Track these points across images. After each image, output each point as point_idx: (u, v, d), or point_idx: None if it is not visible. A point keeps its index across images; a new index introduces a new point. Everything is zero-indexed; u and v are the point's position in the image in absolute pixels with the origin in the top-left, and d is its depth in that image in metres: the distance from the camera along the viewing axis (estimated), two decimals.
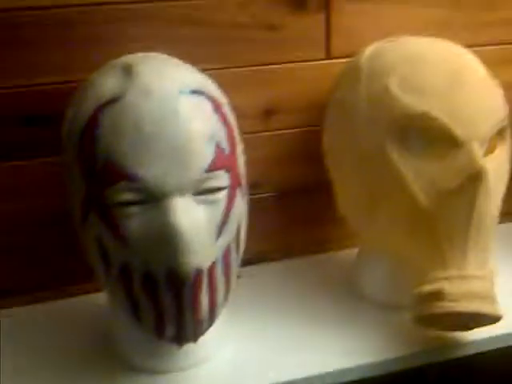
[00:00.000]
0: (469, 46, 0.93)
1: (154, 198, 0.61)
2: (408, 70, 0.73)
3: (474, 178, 0.69)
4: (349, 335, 0.79)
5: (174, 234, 0.60)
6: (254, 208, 0.91)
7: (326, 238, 0.97)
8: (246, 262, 0.93)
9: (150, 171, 0.61)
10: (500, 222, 0.99)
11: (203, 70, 0.76)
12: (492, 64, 0.96)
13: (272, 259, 0.96)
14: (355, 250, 0.91)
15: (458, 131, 0.70)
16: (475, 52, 0.94)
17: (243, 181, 0.70)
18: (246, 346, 0.78)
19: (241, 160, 0.70)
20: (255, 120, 0.89)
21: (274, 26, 0.85)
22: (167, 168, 0.61)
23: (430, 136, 0.71)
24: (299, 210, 0.95)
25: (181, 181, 0.61)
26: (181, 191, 0.62)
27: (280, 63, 0.87)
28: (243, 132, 0.87)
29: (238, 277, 0.88)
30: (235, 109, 0.85)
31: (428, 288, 0.70)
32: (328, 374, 0.74)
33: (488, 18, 0.95)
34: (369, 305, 0.83)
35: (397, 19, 0.91)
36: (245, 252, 0.92)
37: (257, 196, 0.92)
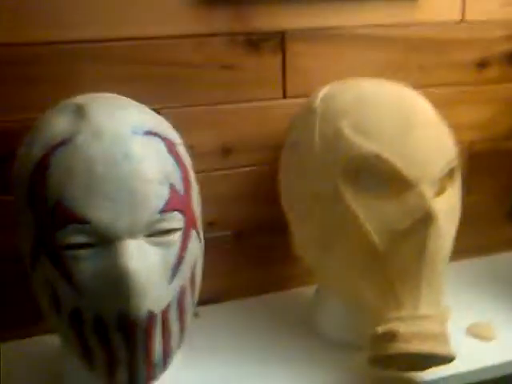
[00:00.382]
0: (422, 86, 0.96)
1: (106, 241, 0.61)
2: (360, 112, 0.74)
3: (425, 220, 0.70)
4: (305, 374, 0.78)
5: (125, 278, 0.59)
6: (211, 247, 0.91)
7: (284, 276, 0.97)
8: (204, 301, 0.93)
9: (101, 213, 0.60)
10: (452, 260, 1.03)
11: (160, 110, 0.76)
12: (444, 104, 0.99)
13: (229, 298, 0.95)
14: (313, 288, 0.91)
15: (409, 173, 0.71)
16: (428, 93, 0.97)
17: (198, 222, 0.70)
18: None
19: (196, 201, 0.70)
20: (212, 158, 0.89)
21: (229, 66, 0.86)
22: (119, 210, 0.60)
23: (382, 178, 0.72)
24: (256, 248, 0.95)
25: (133, 223, 0.61)
26: (133, 233, 0.61)
27: (237, 102, 0.88)
28: (200, 171, 0.88)
29: (196, 316, 0.88)
30: (192, 147, 0.86)
31: (382, 329, 0.70)
32: None
33: (440, 60, 0.98)
34: (325, 343, 0.83)
35: (352, 61, 0.93)
36: (202, 291, 0.91)
37: (214, 235, 0.92)
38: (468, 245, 1.07)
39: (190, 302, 0.68)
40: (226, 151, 0.90)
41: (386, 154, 0.71)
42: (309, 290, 0.92)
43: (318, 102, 0.79)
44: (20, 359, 0.83)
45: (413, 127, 0.73)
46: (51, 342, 0.81)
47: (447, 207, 0.75)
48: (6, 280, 0.84)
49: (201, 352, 0.83)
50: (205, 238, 0.89)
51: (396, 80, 0.90)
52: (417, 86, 0.95)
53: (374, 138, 0.72)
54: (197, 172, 0.84)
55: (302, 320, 0.89)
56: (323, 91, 0.80)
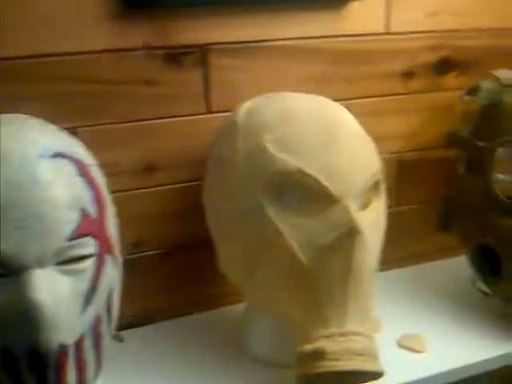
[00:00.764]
0: (348, 98, 0.96)
1: (13, 271, 0.57)
2: (283, 127, 0.73)
3: (350, 234, 0.69)
4: None
5: (34, 310, 0.56)
6: (137, 267, 0.89)
7: (213, 295, 0.95)
8: (131, 324, 0.90)
9: (7, 242, 0.57)
10: (383, 270, 1.02)
11: (79, 128, 0.73)
12: (371, 115, 0.99)
13: (157, 320, 0.92)
14: (243, 306, 0.89)
15: (332, 188, 0.70)
16: (355, 104, 0.97)
17: (115, 245, 0.67)
18: None
19: (111, 224, 0.67)
20: (134, 176, 0.86)
21: (149, 81, 0.84)
22: (26, 238, 0.57)
23: (306, 193, 0.71)
24: (185, 267, 0.93)
25: (42, 251, 0.58)
26: (41, 262, 0.58)
27: (159, 118, 0.86)
28: (123, 189, 0.85)
29: (120, 341, 0.85)
30: (114, 166, 0.83)
31: (308, 347, 0.68)
32: None
33: (366, 72, 0.98)
34: (255, 363, 0.82)
35: (278, 74, 0.92)
36: (129, 314, 0.89)
37: (139, 255, 0.89)
38: (398, 254, 1.07)
39: (106, 329, 0.65)
40: (150, 169, 0.87)
41: (309, 169, 0.70)
42: (239, 308, 0.90)
43: (240, 116, 0.77)
44: None
45: (335, 141, 0.72)
46: None
47: (372, 220, 0.74)
48: None
49: (124, 378, 0.80)
50: (131, 259, 0.87)
51: (322, 92, 0.90)
52: (343, 98, 0.96)
53: (296, 153, 0.71)
54: (119, 191, 0.82)
55: (231, 339, 0.87)
56: (246, 105, 0.79)
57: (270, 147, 0.72)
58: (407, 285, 1.02)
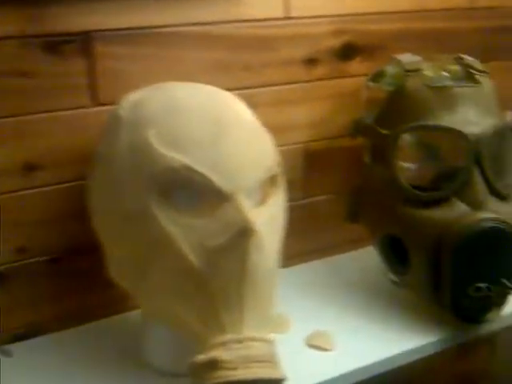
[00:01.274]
0: (249, 87, 0.92)
1: None
2: (168, 120, 0.67)
3: (243, 233, 0.64)
4: None
5: None
6: (23, 275, 0.82)
7: (109, 302, 0.88)
8: (19, 337, 0.83)
9: None
10: (291, 265, 0.99)
11: None
12: (274, 105, 0.95)
13: (49, 331, 0.85)
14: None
15: (223, 184, 0.65)
16: (256, 93, 0.92)
17: None
18: None
19: None
20: (14, 177, 0.79)
21: (26, 72, 0.76)
22: None
23: (195, 191, 0.66)
24: (76, 273, 0.85)
25: None
26: None
27: (39, 113, 0.78)
28: (1, 192, 0.78)
29: (8, 355, 0.78)
30: None
31: (203, 357, 0.63)
32: None
33: (267, 59, 0.93)
34: (153, 373, 0.76)
35: (170, 62, 0.86)
36: (16, 326, 0.81)
37: (25, 262, 0.82)
38: (309, 247, 1.04)
39: None
40: (30, 168, 0.79)
41: (197, 165, 0.65)
42: (136, 315, 0.84)
43: (124, 109, 0.71)
44: None
45: (225, 134, 0.67)
46: None
47: (269, 217, 0.70)
48: None
49: None
50: (15, 267, 0.80)
51: (220, 82, 0.85)
52: (243, 87, 0.91)
53: (183, 148, 0.66)
54: None
55: (128, 348, 0.81)
56: (130, 98, 0.72)
57: (155, 143, 0.66)
58: (318, 279, 0.99)
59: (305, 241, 1.03)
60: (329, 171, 1.03)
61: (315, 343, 0.82)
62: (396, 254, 0.86)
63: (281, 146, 0.96)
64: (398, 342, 0.82)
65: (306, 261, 1.04)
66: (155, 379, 0.75)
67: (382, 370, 0.80)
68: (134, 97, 0.72)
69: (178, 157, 0.65)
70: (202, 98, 0.70)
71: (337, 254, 1.06)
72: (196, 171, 0.65)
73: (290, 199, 0.99)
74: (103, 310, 0.88)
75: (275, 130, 0.95)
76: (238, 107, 0.72)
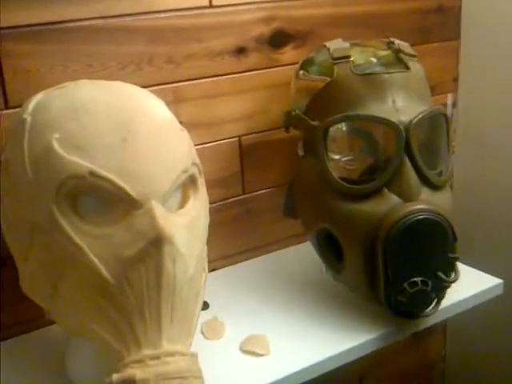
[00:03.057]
0: (174, 81, 0.88)
1: None
2: (72, 123, 0.62)
3: (157, 242, 0.60)
4: None
5: None
6: None
7: (31, 316, 0.83)
8: None
9: None
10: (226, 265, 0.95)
11: None
12: (203, 98, 0.91)
13: None
14: None
15: (132, 190, 0.61)
16: (183, 87, 0.88)
17: None
18: None
19: None
20: None
21: None
22: None
23: (103, 198, 0.62)
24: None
25: None
26: None
27: None
28: None
29: None
30: None
31: (118, 376, 0.60)
32: None
33: (193, 50, 0.89)
34: None
35: (88, 58, 0.81)
36: None
37: None
38: (249, 244, 1.01)
39: None
40: None
41: (104, 171, 0.60)
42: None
43: (27, 112, 0.66)
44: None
45: (134, 136, 0.63)
46: None
47: (188, 222, 0.66)
48: None
49: None
50: None
51: (144, 76, 0.81)
52: (170, 81, 0.87)
53: (87, 152, 0.61)
54: None
55: (54, 363, 0.77)
56: (35, 98, 0.68)
57: (58, 147, 0.61)
58: (257, 278, 0.95)
59: (245, 237, 1.00)
60: (266, 165, 1.00)
61: (250, 348, 0.78)
62: (332, 249, 0.82)
63: (213, 141, 0.94)
64: (335, 342, 0.79)
65: (245, 259, 1.00)
66: None
67: (319, 372, 0.77)
68: (38, 98, 0.67)
69: (83, 162, 0.61)
70: (110, 97, 0.65)
71: (278, 250, 1.03)
72: (103, 177, 0.60)
73: (228, 195, 0.97)
74: (27, 323, 0.83)
75: (205, 125, 0.92)
76: (150, 105, 0.67)
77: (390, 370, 1.29)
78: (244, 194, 0.99)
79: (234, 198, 0.98)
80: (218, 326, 0.83)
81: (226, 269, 0.99)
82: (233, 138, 0.96)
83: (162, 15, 0.86)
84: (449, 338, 1.35)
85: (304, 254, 0.99)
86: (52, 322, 0.83)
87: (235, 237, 1.00)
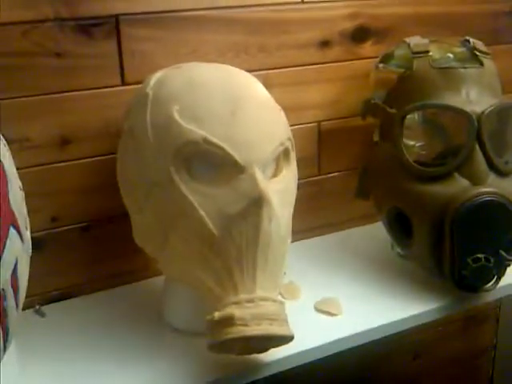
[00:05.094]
0: (265, 69, 0.97)
1: None
2: (189, 97, 0.73)
3: (257, 203, 0.70)
4: (154, 365, 0.77)
5: None
6: (57, 242, 0.89)
7: (136, 268, 0.95)
8: (53, 298, 0.90)
9: None
10: (303, 238, 1.05)
11: None
12: (290, 85, 1.00)
13: (79, 294, 0.92)
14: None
15: (238, 156, 0.71)
16: (273, 74, 0.98)
17: (19, 219, 0.66)
18: None
19: (14, 197, 0.66)
20: (50, 150, 0.85)
21: (61, 53, 0.83)
22: None
23: (213, 162, 0.72)
24: (105, 240, 0.92)
25: None
26: None
27: (72, 91, 0.85)
28: (38, 164, 0.84)
29: (41, 315, 0.85)
30: (27, 140, 0.83)
31: (217, 314, 0.70)
32: None
33: (282, 41, 0.98)
34: (174, 333, 0.83)
35: (193, 44, 0.92)
36: (51, 288, 0.88)
37: (58, 229, 0.89)
38: (321, 222, 1.10)
39: (12, 304, 0.65)
40: (65, 142, 0.86)
41: (215, 138, 0.71)
42: (161, 280, 0.90)
43: (149, 87, 0.77)
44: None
45: (241, 110, 0.73)
46: None
47: (282, 189, 0.75)
48: None
49: (44, 353, 0.80)
50: (50, 234, 0.87)
51: (238, 63, 0.91)
52: (260, 69, 0.97)
53: (202, 122, 0.71)
54: (34, 166, 0.81)
55: (151, 311, 0.88)
56: (155, 76, 0.78)
57: (177, 117, 0.72)
58: (329, 252, 1.04)
59: (318, 215, 1.09)
60: (341, 149, 1.09)
61: (324, 308, 0.88)
62: (401, 227, 0.91)
63: (296, 124, 1.03)
64: (401, 308, 0.87)
65: (318, 234, 1.10)
66: (174, 338, 0.82)
67: (385, 333, 0.86)
68: (158, 75, 0.78)
69: (198, 130, 0.71)
70: (220, 76, 0.76)
71: (348, 229, 1.12)
72: (214, 144, 0.71)
73: (305, 176, 1.06)
74: (130, 275, 0.95)
75: (290, 109, 1.00)
76: (254, 85, 0.77)
77: (442, 352, 1.37)
78: (319, 174, 1.08)
79: (310, 178, 1.08)
80: (294, 289, 0.92)
81: (298, 243, 1.07)
82: (313, 122, 1.05)
83: (258, 9, 0.95)
84: (501, 327, 1.42)
85: (372, 234, 1.08)
86: (152, 275, 0.94)
87: (309, 214, 1.09)
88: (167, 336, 0.83)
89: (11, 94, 0.81)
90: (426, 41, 0.92)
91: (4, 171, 0.64)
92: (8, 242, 0.63)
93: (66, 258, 0.90)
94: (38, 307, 0.88)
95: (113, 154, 0.87)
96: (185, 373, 0.76)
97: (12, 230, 0.64)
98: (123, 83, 0.88)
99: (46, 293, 0.90)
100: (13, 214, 0.65)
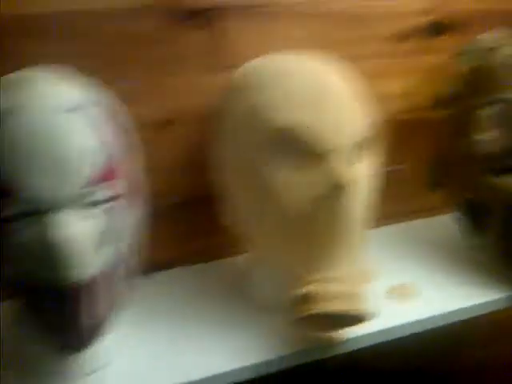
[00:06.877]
0: (348, 59, 1.00)
1: (36, 213, 0.63)
2: (276, 86, 0.77)
3: (338, 188, 0.74)
4: (239, 338, 0.82)
5: (54, 248, 0.61)
6: (155, 216, 0.94)
7: (228, 244, 1.02)
8: (150, 268, 0.96)
9: (31, 186, 0.62)
10: (376, 226, 1.08)
11: (101, 82, 0.78)
12: (367, 77, 1.03)
13: (171, 267, 0.99)
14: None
15: (323, 143, 0.75)
16: (354, 66, 1.01)
17: (136, 192, 0.72)
18: (145, 350, 0.81)
19: (133, 170, 0.72)
20: (154, 129, 0.93)
21: (163, 41, 0.90)
22: (48, 183, 0.62)
23: (299, 148, 0.76)
24: (200, 216, 0.99)
25: (62, 195, 0.63)
26: (62, 205, 0.63)
27: (174, 76, 0.92)
28: (144, 141, 0.90)
29: (136, 286, 0.91)
30: (134, 119, 0.89)
31: (299, 291, 0.74)
32: (225, 374, 0.77)
33: (362, 34, 1.02)
34: (257, 308, 0.88)
35: (279, 36, 0.97)
36: (149, 259, 0.94)
37: (161, 204, 0.95)
38: (391, 211, 1.12)
39: (123, 270, 0.71)
40: (167, 122, 0.93)
41: (302, 126, 0.75)
42: (244, 258, 0.96)
43: (240, 76, 0.82)
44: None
45: (326, 99, 0.77)
46: None
47: (361, 175, 0.79)
48: None
49: (145, 316, 0.87)
50: (152, 208, 0.92)
51: (320, 54, 0.94)
52: (340, 60, 1.00)
53: (291, 110, 0.75)
54: (140, 143, 0.87)
55: (238, 286, 0.93)
56: (246, 66, 0.84)
57: (264, 106, 0.76)
58: (399, 240, 1.07)
59: (388, 205, 1.11)
60: (413, 140, 1.11)
61: (397, 293, 0.91)
62: (474, 218, 0.93)
63: (371, 115, 1.06)
64: (474, 295, 0.90)
65: (389, 223, 1.13)
66: (258, 313, 0.87)
67: (457, 318, 0.88)
68: (250, 64, 0.83)
69: (286, 117, 0.75)
70: (306, 67, 0.80)
71: (418, 219, 1.15)
72: (301, 131, 0.75)
73: (377, 164, 1.09)
74: (219, 251, 1.02)
75: (367, 99, 1.04)
76: (336, 76, 0.81)
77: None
78: (390, 165, 1.11)
79: (382, 168, 1.10)
80: (366, 273, 0.95)
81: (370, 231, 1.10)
82: (387, 113, 1.08)
83: (341, 3, 0.99)
84: None
85: (442, 224, 1.10)
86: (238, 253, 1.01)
87: (379, 202, 1.12)
88: (251, 312, 0.88)
89: (120, 77, 0.89)
90: (500, 35, 0.94)
91: (123, 147, 0.70)
92: (124, 212, 0.69)
93: (162, 231, 0.96)
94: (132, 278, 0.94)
95: (208, 135, 0.93)
96: (266, 347, 0.81)
97: (128, 201, 0.70)
98: (217, 71, 0.94)
99: (144, 262, 0.96)
100: (132, 186, 0.71)
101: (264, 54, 0.87)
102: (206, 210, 0.98)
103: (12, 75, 0.70)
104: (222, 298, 0.91)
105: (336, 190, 0.74)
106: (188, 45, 0.91)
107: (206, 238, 1.01)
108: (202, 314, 0.88)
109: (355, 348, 0.82)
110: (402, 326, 0.85)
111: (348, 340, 0.81)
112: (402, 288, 0.92)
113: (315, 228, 0.75)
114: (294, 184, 0.76)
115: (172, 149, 0.95)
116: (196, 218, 0.99)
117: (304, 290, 0.74)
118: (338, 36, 1.00)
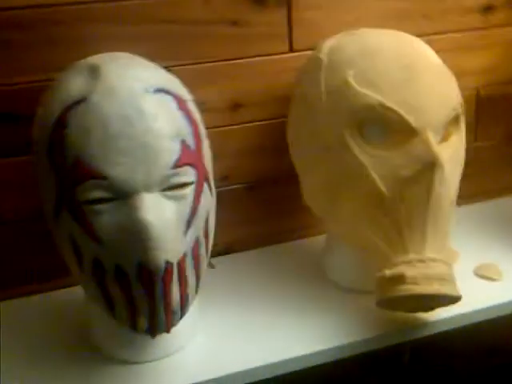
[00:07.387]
0: (427, 34, 0.97)
1: (123, 195, 0.64)
2: (365, 62, 0.75)
3: (430, 166, 0.72)
4: (318, 320, 0.82)
5: (143, 230, 0.62)
6: (226, 200, 0.94)
7: (297, 226, 1.01)
8: (219, 252, 0.96)
9: (117, 169, 0.63)
10: (460, 204, 1.05)
11: (170, 67, 0.78)
12: (450, 51, 1.00)
13: (244, 249, 0.99)
14: (324, 237, 0.94)
15: (413, 121, 0.73)
16: (434, 40, 0.98)
17: (210, 175, 0.73)
18: (218, 334, 0.81)
19: (207, 155, 0.72)
20: (223, 114, 0.92)
21: (236, 21, 0.88)
22: (134, 166, 0.63)
23: (387, 126, 0.74)
24: (269, 200, 0.98)
25: (148, 178, 0.63)
26: (148, 188, 0.64)
27: (245, 58, 0.90)
28: (212, 126, 0.90)
29: (212, 267, 0.92)
30: (203, 103, 0.89)
31: (389, 272, 0.73)
32: (301, 358, 0.77)
33: (444, 7, 0.98)
34: (337, 290, 0.87)
35: (358, 11, 0.94)
36: (218, 243, 0.95)
37: (227, 188, 0.95)
38: (475, 190, 1.09)
39: (204, 252, 0.71)
40: (236, 106, 0.92)
41: (390, 103, 0.73)
42: (320, 239, 0.95)
43: (323, 54, 0.80)
44: (49, 310, 0.88)
45: (416, 75, 0.74)
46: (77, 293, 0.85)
47: (452, 153, 0.77)
48: (27, 239, 0.88)
49: (217, 299, 0.87)
50: (219, 192, 0.92)
51: (402, 28, 0.91)
52: (422, 34, 0.97)
53: (378, 87, 0.74)
54: (209, 127, 0.87)
55: (313, 268, 0.92)
56: (328, 43, 0.81)
57: (353, 82, 0.75)
58: (484, 219, 1.04)
59: (474, 183, 1.08)
60: (498, 116, 1.07)
61: (484, 273, 0.88)
62: None
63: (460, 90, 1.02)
64: None
65: (474, 202, 1.09)
66: (337, 293, 0.86)
67: None
68: (331, 42, 0.81)
69: (373, 95, 0.73)
70: (394, 42, 0.77)
71: (502, 197, 1.11)
72: (389, 108, 0.73)
73: None
74: (291, 233, 1.01)
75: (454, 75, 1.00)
76: (427, 51, 0.79)
77: None
78: (475, 141, 1.08)
79: (467, 145, 1.07)
80: (453, 253, 0.93)
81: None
82: (471, 88, 1.04)
83: None
84: None
85: None
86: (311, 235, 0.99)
87: (464, 180, 1.08)
88: (330, 292, 0.87)
89: (190, 60, 0.88)
90: None
91: (199, 132, 0.71)
92: (202, 196, 0.69)
93: (233, 214, 0.96)
94: (208, 260, 0.95)
95: (278, 118, 0.92)
96: (347, 328, 0.80)
97: (205, 185, 0.70)
98: (291, 50, 0.92)
99: (214, 246, 0.96)
100: (206, 170, 0.71)
101: (339, 30, 0.84)
102: (275, 193, 0.98)
103: (87, 60, 0.71)
104: (300, 280, 0.91)
105: (429, 169, 0.72)
106: (261, 23, 0.89)
107: (276, 220, 1.00)
108: (280, 296, 0.87)
109: (442, 330, 0.81)
110: (490, 308, 0.83)
111: (435, 322, 0.80)
112: (487, 268, 0.89)
113: (404, 207, 0.74)
114: (381, 162, 0.74)
115: (241, 133, 0.93)
116: (265, 201, 0.98)
117: (393, 271, 0.73)
118: (419, 9, 0.97)
